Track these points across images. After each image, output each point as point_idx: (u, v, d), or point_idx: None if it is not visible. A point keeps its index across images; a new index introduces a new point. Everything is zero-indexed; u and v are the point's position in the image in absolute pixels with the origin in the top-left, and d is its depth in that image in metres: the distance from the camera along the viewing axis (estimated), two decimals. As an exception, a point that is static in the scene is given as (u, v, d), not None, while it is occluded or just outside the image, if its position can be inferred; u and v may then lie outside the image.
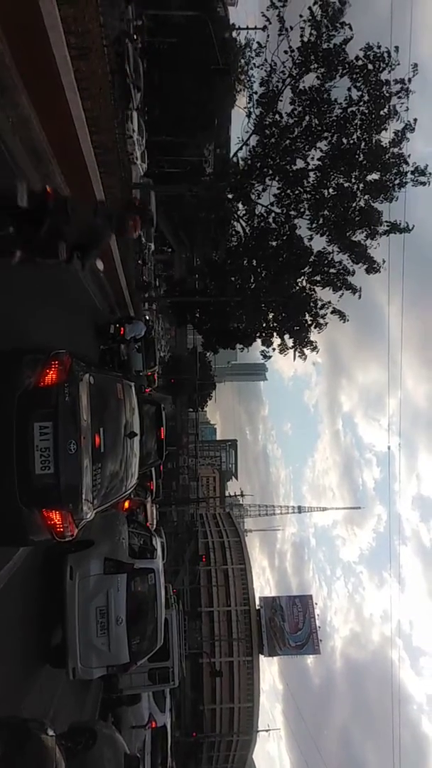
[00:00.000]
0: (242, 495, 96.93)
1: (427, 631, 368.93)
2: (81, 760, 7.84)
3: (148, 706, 17.71)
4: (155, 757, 17.72)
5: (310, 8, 20.94)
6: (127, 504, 16.84)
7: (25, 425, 5.86)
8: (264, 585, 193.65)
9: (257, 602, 58.99)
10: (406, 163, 21.74)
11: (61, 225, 4.89)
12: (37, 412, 5.92)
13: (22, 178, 6.17)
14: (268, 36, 22.48)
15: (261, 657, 57.64)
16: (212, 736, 55.91)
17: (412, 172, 21.78)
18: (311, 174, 23.04)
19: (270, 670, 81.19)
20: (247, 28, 30.67)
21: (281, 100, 22.68)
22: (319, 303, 24.30)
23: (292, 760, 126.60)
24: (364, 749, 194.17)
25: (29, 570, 8.56)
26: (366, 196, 22.43)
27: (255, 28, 29.54)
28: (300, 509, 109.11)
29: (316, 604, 60.68)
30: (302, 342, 24.59)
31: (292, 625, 57.94)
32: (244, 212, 25.42)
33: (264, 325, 25.64)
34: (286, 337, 24.90)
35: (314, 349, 24.90)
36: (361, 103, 21.42)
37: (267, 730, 62.72)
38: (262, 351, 26.55)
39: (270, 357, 26.67)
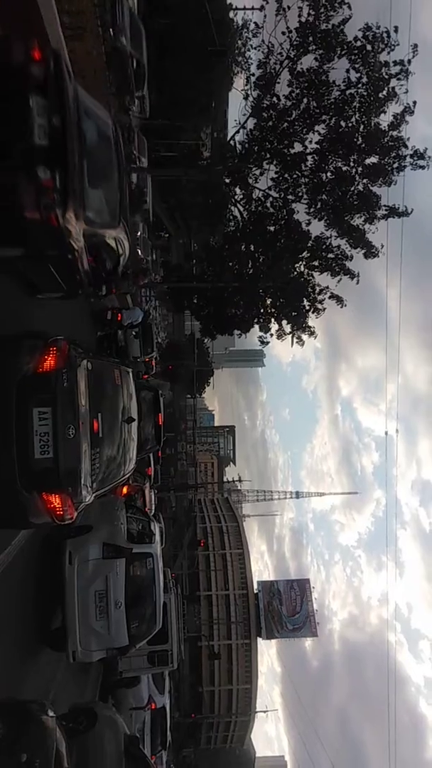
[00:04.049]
0: (240, 480, 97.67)
1: (426, 614, 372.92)
2: (82, 740, 7.95)
3: (147, 688, 17.93)
4: (155, 737, 17.99)
5: (308, -13, 20.60)
6: (125, 489, 16.95)
7: (25, 411, 5.90)
8: (262, 569, 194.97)
9: (255, 586, 59.57)
10: (405, 146, 21.52)
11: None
12: (36, 397, 5.97)
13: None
14: (265, 16, 22.20)
15: (259, 640, 58.36)
16: (211, 717, 56.77)
17: (411, 156, 21.57)
18: (309, 158, 22.82)
19: (268, 652, 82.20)
20: (245, 9, 30.23)
21: (279, 83, 22.40)
22: (317, 288, 24.19)
23: (289, 740, 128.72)
24: (362, 730, 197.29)
25: (29, 554, 8.62)
26: (364, 180, 22.23)
27: (252, 8, 29.12)
28: (298, 494, 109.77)
29: (313, 587, 61.42)
30: (300, 327, 24.53)
31: (289, 609, 58.62)
32: (241, 197, 25.21)
33: (262, 310, 25.55)
34: (284, 322, 24.82)
35: (312, 334, 24.87)
36: (360, 85, 21.15)
37: (265, 711, 63.87)
38: (260, 337, 26.44)
39: (268, 343, 26.57)
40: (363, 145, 21.74)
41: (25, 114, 5.14)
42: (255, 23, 25.30)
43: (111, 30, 15.35)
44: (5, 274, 7.03)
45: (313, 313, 24.30)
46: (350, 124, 21.75)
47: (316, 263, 23.86)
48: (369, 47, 20.60)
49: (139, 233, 27.65)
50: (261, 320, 25.70)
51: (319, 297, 24.09)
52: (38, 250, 5.86)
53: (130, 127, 22.79)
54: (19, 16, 7.11)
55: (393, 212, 22.52)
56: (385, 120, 21.60)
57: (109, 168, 6.88)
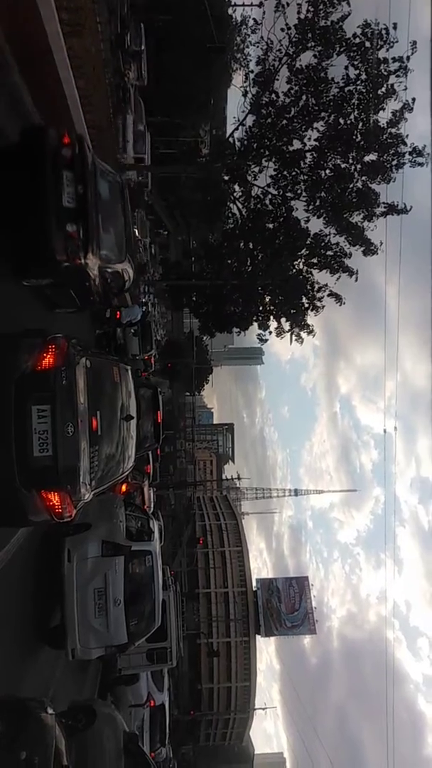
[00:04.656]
0: (239, 478, 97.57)
1: (424, 612, 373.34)
2: (81, 737, 7.98)
3: (146, 685, 17.97)
4: (154, 734, 18.04)
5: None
6: (124, 487, 16.93)
7: (23, 408, 5.91)
8: (261, 567, 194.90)
9: (254, 584, 59.62)
10: (404, 143, 21.51)
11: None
12: (34, 395, 5.98)
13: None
14: (264, 13, 22.15)
15: (258, 637, 58.45)
16: (210, 714, 56.87)
17: (410, 153, 21.56)
18: (308, 155, 22.79)
19: (267, 650, 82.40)
20: (243, 5, 30.12)
21: (278, 79, 22.35)
22: (316, 286, 24.16)
23: (288, 737, 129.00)
24: (360, 727, 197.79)
25: (28, 552, 8.63)
26: (363, 178, 22.21)
27: (251, 4, 29.04)
28: (297, 492, 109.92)
29: (312, 585, 61.52)
30: (299, 325, 24.51)
31: (288, 606, 58.67)
32: (240, 194, 25.18)
33: (261, 308, 25.52)
34: (283, 320, 24.80)
35: (311, 332, 24.85)
36: (359, 82, 21.12)
37: (264, 709, 63.95)
38: (259, 334, 26.44)
39: (266, 340, 26.58)
40: (362, 143, 21.71)
41: (58, 185, 6.99)
42: (254, 20, 25.24)
43: None
44: (33, 295, 8.85)
45: (311, 310, 24.28)
46: (349, 121, 21.71)
47: (314, 260, 23.82)
48: (368, 44, 20.57)
49: (136, 212, 27.27)
50: (260, 318, 25.68)
51: (318, 294, 24.06)
52: (64, 280, 8.02)
53: (125, 87, 22.35)
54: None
55: (392, 209, 22.51)
56: (384, 117, 21.60)
57: (117, 216, 8.86)
